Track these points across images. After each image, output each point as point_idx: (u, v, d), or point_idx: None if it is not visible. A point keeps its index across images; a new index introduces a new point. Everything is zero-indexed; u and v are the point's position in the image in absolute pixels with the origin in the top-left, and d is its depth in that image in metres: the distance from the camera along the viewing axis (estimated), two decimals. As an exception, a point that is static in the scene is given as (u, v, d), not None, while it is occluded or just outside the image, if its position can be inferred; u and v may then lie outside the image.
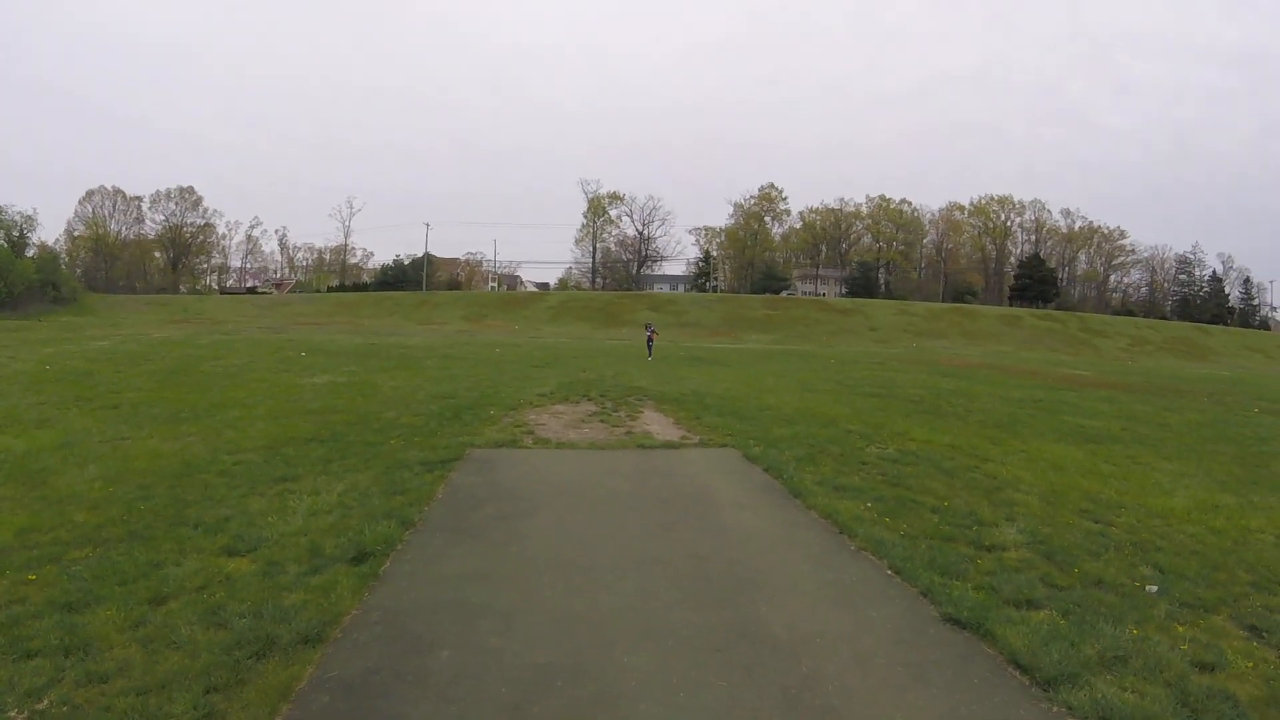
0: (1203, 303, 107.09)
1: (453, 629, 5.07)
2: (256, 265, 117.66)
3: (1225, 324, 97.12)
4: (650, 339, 34.11)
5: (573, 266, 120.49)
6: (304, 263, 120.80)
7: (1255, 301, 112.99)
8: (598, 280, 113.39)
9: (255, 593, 5.49)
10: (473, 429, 12.66)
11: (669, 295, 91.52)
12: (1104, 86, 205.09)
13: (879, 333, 71.06)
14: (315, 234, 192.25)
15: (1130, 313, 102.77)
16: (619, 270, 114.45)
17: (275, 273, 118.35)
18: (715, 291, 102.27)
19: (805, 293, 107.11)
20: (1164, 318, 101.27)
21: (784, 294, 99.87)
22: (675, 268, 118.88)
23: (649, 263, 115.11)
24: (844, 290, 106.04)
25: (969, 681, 4.69)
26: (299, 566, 6.06)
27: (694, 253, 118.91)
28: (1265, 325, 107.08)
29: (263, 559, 6.22)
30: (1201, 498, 10.09)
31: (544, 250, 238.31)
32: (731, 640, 5.09)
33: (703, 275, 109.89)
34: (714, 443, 12.10)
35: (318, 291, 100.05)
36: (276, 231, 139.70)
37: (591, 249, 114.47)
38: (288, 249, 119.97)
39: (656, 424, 13.76)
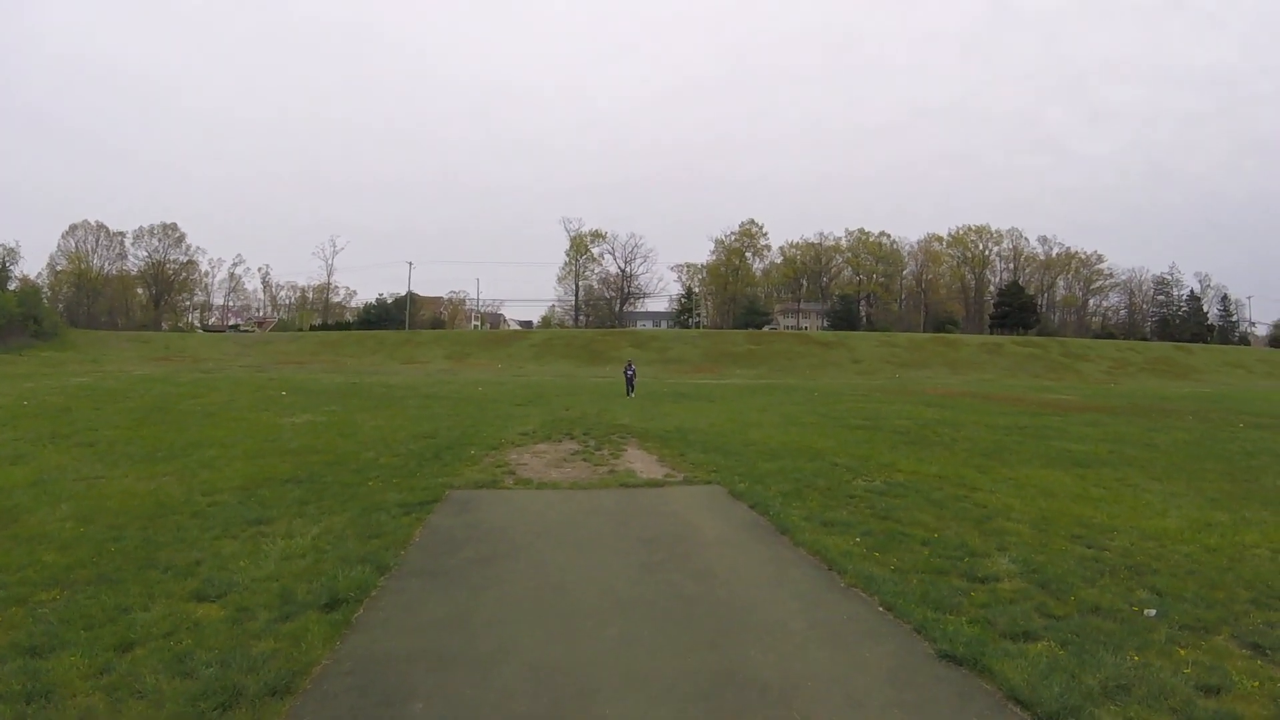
0: (1182, 322, 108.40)
1: (427, 680, 4.85)
2: (239, 303, 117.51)
3: (1205, 342, 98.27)
4: (630, 377, 33.83)
5: (556, 304, 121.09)
6: (287, 301, 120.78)
7: (1234, 318, 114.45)
8: (581, 318, 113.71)
9: (223, 640, 5.29)
10: (453, 469, 12.43)
11: (652, 332, 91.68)
12: (1080, 114, 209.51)
13: (862, 364, 71.29)
14: (298, 272, 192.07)
15: (1110, 335, 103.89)
16: (602, 307, 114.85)
17: (258, 311, 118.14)
18: (698, 327, 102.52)
19: (787, 327, 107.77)
20: (1144, 338, 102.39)
21: (766, 328, 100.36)
22: (658, 304, 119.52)
23: (631, 300, 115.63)
24: (826, 323, 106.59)
25: (968, 721, 4.49)
26: (269, 613, 5.87)
27: (676, 289, 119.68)
28: (1245, 341, 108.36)
29: (232, 605, 6.03)
30: (1194, 516, 10.00)
31: (527, 288, 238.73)
32: (718, 686, 4.88)
33: (685, 311, 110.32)
34: (698, 480, 11.91)
35: (300, 330, 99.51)
36: (259, 269, 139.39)
37: (574, 287, 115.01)
38: (270, 287, 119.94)
39: (640, 462, 13.57)
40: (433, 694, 4.66)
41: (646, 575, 7.16)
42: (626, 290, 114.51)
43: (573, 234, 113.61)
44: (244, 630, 5.50)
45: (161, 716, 4.21)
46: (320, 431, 17.42)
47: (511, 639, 5.55)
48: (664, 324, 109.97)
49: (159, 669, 4.78)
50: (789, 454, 14.60)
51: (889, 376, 61.75)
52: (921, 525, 9.03)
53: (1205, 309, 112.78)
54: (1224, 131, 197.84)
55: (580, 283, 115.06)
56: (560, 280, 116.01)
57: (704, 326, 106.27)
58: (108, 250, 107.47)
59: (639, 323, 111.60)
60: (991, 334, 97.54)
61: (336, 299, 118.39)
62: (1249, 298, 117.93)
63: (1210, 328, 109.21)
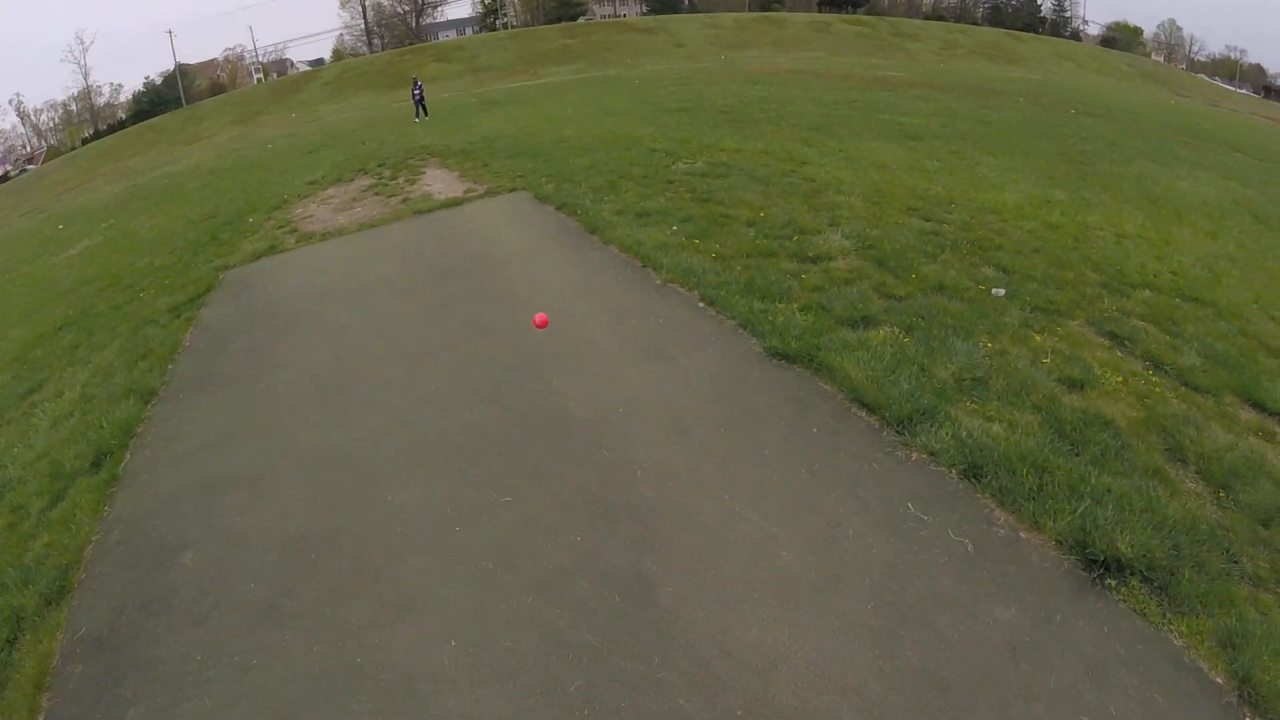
0: (1014, 11, 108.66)
1: (196, 521, 4.00)
2: (2, 148, 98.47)
3: (1037, 33, 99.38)
4: (418, 98, 29.08)
5: (344, 33, 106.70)
6: (50, 124, 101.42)
7: (1067, 14, 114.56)
8: (375, 42, 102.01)
9: (2, 559, 4.30)
10: (230, 245, 10.39)
11: (456, 41, 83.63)
12: None
13: (685, 49, 68.17)
14: (54, 88, 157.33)
15: (941, 18, 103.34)
16: (397, 25, 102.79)
17: (24, 148, 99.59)
18: (506, 29, 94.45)
19: (604, 16, 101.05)
20: (975, 24, 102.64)
21: (581, 20, 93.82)
22: (460, 10, 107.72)
23: (428, 10, 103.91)
24: (645, 9, 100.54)
25: (807, 434, 3.81)
26: (41, 501, 4.77)
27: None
28: (1076, 36, 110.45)
29: (7, 507, 4.89)
30: (1033, 193, 9.63)
31: (310, 23, 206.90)
32: (518, 436, 4.10)
33: (490, 14, 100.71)
34: (502, 189, 10.50)
35: (74, 149, 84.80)
36: (10, 101, 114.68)
37: (360, 8, 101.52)
38: (28, 117, 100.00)
39: (439, 182, 11.90)
40: (203, 537, 3.85)
41: (440, 314, 6.14)
42: (421, 2, 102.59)
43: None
44: (19, 535, 4.47)
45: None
46: (96, 256, 14.49)
47: (285, 439, 4.62)
48: (469, 31, 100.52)
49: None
50: (603, 146, 13.25)
51: (714, 59, 59.35)
52: (746, 205, 8.17)
53: (1039, 1, 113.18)
54: None
55: (366, 3, 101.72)
56: (344, 5, 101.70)
57: (513, 27, 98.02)
58: None
59: (441, 34, 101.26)
60: (820, 12, 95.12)
61: (103, 100, 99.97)
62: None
63: (1042, 19, 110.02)
